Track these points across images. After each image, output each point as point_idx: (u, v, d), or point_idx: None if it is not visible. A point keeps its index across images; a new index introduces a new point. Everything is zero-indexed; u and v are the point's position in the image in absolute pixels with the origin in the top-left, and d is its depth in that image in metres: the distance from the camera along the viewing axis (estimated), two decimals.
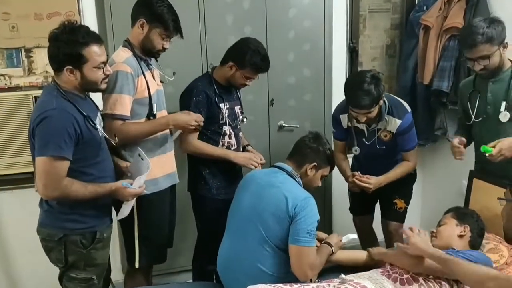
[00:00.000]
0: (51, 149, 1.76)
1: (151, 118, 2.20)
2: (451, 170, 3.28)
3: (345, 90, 2.43)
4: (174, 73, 2.44)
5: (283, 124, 3.17)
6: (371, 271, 1.99)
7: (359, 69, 3.35)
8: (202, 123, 2.31)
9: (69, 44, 1.78)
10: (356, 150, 2.62)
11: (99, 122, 1.96)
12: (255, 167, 2.48)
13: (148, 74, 2.20)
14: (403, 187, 2.69)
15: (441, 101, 3.08)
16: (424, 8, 3.19)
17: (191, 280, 2.80)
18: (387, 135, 2.53)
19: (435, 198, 3.49)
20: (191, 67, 2.73)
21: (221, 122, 2.48)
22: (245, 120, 2.66)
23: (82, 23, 2.69)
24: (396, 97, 2.63)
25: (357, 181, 2.51)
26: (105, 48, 2.64)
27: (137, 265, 2.28)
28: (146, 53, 2.21)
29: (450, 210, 2.27)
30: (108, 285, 2.24)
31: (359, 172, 2.55)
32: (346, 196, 2.90)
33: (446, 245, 2.06)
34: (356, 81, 2.37)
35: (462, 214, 2.19)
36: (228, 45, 2.87)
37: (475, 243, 2.11)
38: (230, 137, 2.53)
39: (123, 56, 2.13)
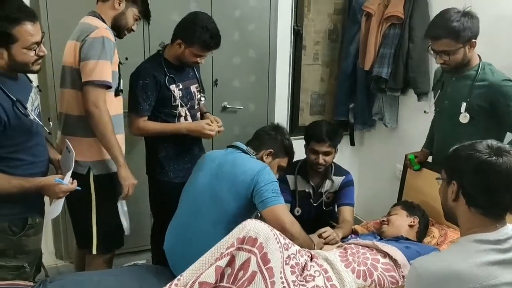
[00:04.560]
0: None
1: (120, 93, 2.17)
2: (387, 154, 3.43)
3: (307, 130, 2.61)
4: (126, 58, 2.39)
5: (227, 105, 3.13)
6: (333, 251, 1.97)
7: (303, 52, 3.37)
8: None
9: None
10: (298, 211, 2.61)
11: (31, 102, 1.78)
12: (212, 135, 2.41)
13: None
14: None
15: (380, 87, 3.17)
16: None
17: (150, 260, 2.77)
18: (329, 197, 2.65)
19: (370, 180, 3.63)
20: (131, 44, 2.59)
21: (173, 104, 2.39)
22: (202, 99, 2.56)
23: None
24: None
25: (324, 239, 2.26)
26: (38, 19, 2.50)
27: (94, 252, 2.18)
28: (115, 30, 2.15)
29: (399, 204, 2.43)
30: (39, 271, 2.10)
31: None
32: None
33: (396, 232, 2.21)
34: (320, 121, 2.70)
35: (411, 207, 2.35)
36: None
37: (421, 234, 2.28)
38: (186, 119, 2.44)
39: (103, 24, 2.05)
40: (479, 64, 2.18)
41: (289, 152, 2.26)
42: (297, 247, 1.81)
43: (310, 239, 2.08)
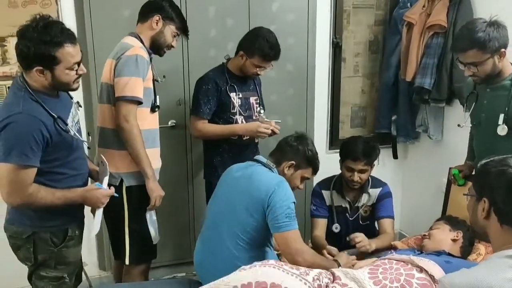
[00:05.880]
0: (15, 156, 1.64)
1: (156, 109, 2.24)
2: (431, 167, 3.29)
3: (343, 146, 2.56)
4: (164, 77, 2.48)
5: (265, 119, 3.12)
6: (363, 268, 1.89)
7: (343, 64, 3.33)
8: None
9: (40, 43, 1.64)
10: (336, 227, 2.57)
11: (72, 118, 1.87)
12: (265, 133, 2.51)
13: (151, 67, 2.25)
14: None
15: (423, 98, 3.07)
16: (408, 5, 3.18)
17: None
18: (367, 210, 2.58)
19: (415, 195, 3.51)
20: (170, 59, 2.66)
21: (232, 111, 2.54)
22: (262, 112, 2.66)
23: (59, 12, 2.62)
24: None
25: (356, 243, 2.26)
26: (84, 40, 2.63)
27: (127, 262, 2.23)
28: (154, 48, 2.26)
29: (442, 218, 2.33)
30: (80, 281, 2.17)
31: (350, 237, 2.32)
32: None
33: (437, 246, 2.11)
34: (356, 137, 2.63)
35: (455, 221, 2.24)
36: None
37: (466, 251, 2.16)
38: None
39: (139, 43, 2.16)
40: None
41: (312, 162, 2.17)
42: (317, 269, 1.77)
43: (330, 260, 2.04)
